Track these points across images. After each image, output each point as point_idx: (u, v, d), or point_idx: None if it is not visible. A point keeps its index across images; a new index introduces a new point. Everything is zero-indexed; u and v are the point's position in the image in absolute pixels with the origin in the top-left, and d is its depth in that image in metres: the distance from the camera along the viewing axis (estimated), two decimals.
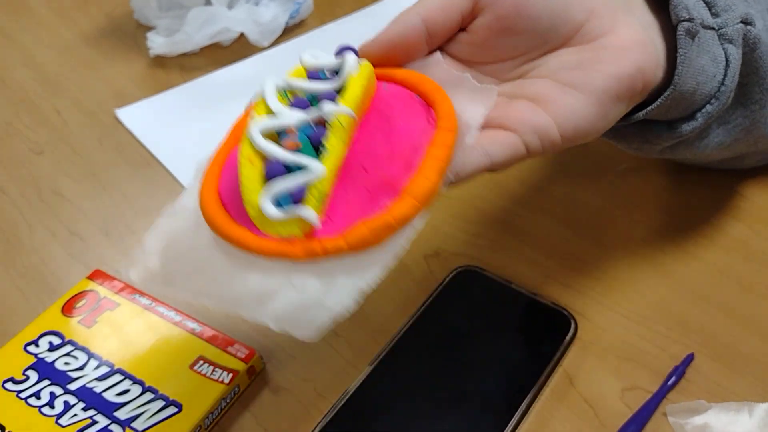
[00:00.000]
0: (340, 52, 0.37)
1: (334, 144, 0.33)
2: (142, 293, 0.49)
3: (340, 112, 0.33)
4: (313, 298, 0.32)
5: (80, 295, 0.49)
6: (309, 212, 0.32)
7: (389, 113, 0.35)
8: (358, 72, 0.35)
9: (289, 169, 0.32)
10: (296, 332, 0.32)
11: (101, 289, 0.50)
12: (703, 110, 0.42)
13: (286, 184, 0.32)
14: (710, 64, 0.41)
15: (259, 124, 0.34)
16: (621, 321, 0.47)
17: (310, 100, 0.35)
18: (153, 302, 0.49)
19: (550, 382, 0.44)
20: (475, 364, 0.45)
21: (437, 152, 0.33)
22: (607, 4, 0.38)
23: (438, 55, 0.38)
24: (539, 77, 0.38)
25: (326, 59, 0.37)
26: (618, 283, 0.50)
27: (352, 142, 0.34)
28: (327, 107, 0.33)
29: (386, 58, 0.38)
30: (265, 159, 0.33)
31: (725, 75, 0.41)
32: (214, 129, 0.65)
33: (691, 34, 0.39)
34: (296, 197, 0.32)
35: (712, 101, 0.41)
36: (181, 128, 0.66)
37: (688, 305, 0.48)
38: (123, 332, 0.47)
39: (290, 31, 0.77)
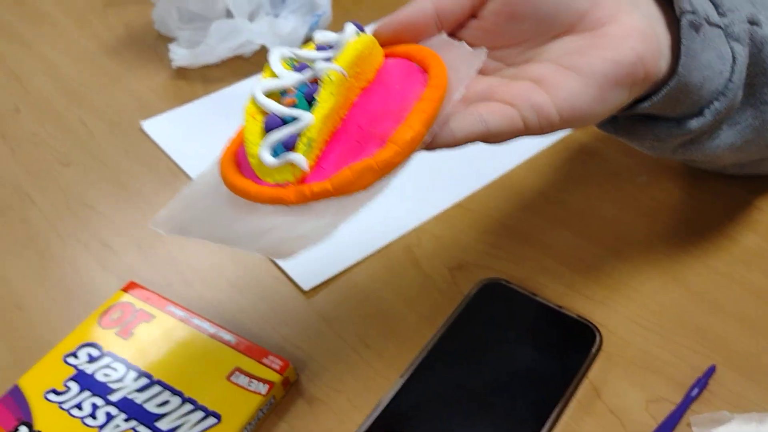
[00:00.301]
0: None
1: (324, 96, 0.36)
2: (176, 305, 0.51)
3: (329, 68, 0.36)
4: (298, 233, 0.35)
5: (116, 306, 0.51)
6: (298, 157, 0.35)
7: (389, 81, 0.38)
8: (354, 38, 0.38)
9: (285, 122, 0.36)
10: (277, 258, 0.35)
11: (136, 301, 0.51)
12: (711, 107, 0.43)
13: (279, 133, 0.35)
14: (717, 60, 0.42)
15: (261, 84, 0.37)
16: (643, 332, 0.49)
17: (311, 66, 0.38)
18: (188, 314, 0.50)
19: (576, 394, 0.45)
20: (504, 376, 0.46)
21: (423, 105, 0.36)
22: None
23: (443, 34, 0.40)
24: (542, 62, 0.40)
25: (333, 35, 0.40)
26: (639, 294, 0.51)
27: (353, 105, 0.38)
28: (318, 65, 0.37)
29: (396, 38, 0.40)
30: (266, 114, 0.37)
31: (732, 72, 0.43)
32: None
33: (695, 27, 0.40)
34: (288, 145, 0.35)
35: (719, 98, 0.43)
36: (206, 139, 0.67)
37: (707, 316, 0.50)
38: (160, 344, 0.48)
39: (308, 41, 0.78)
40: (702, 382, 0.46)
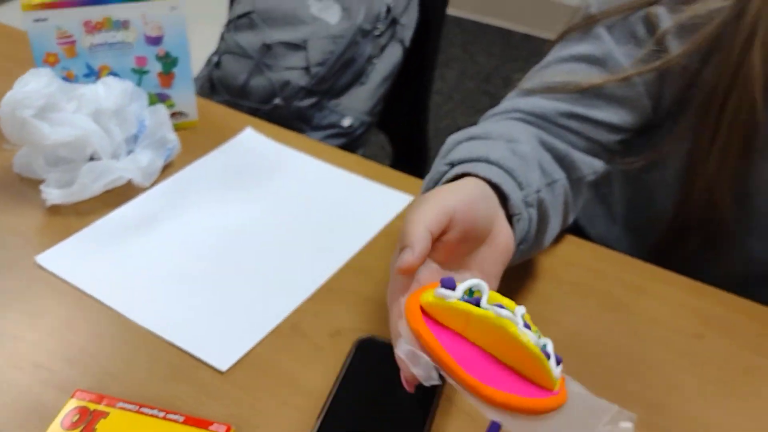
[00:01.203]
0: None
1: None
2: (124, 400, 0.63)
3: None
4: None
5: (72, 411, 0.62)
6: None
7: None
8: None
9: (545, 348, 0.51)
10: None
11: (89, 404, 0.62)
12: (519, 247, 0.66)
13: (553, 355, 0.51)
14: (523, 222, 0.65)
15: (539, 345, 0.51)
16: None
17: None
18: (136, 406, 0.62)
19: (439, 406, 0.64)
20: (384, 407, 0.64)
21: None
22: (497, 215, 0.62)
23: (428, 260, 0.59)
24: (468, 269, 0.61)
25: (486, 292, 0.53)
26: None
27: None
28: (545, 343, 0.51)
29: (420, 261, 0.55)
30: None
31: (530, 225, 0.67)
32: (127, 260, 0.79)
33: (517, 219, 0.64)
34: (558, 361, 0.51)
35: (523, 242, 0.67)
36: (97, 265, 0.79)
37: None
38: None
39: (165, 170, 0.92)
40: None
